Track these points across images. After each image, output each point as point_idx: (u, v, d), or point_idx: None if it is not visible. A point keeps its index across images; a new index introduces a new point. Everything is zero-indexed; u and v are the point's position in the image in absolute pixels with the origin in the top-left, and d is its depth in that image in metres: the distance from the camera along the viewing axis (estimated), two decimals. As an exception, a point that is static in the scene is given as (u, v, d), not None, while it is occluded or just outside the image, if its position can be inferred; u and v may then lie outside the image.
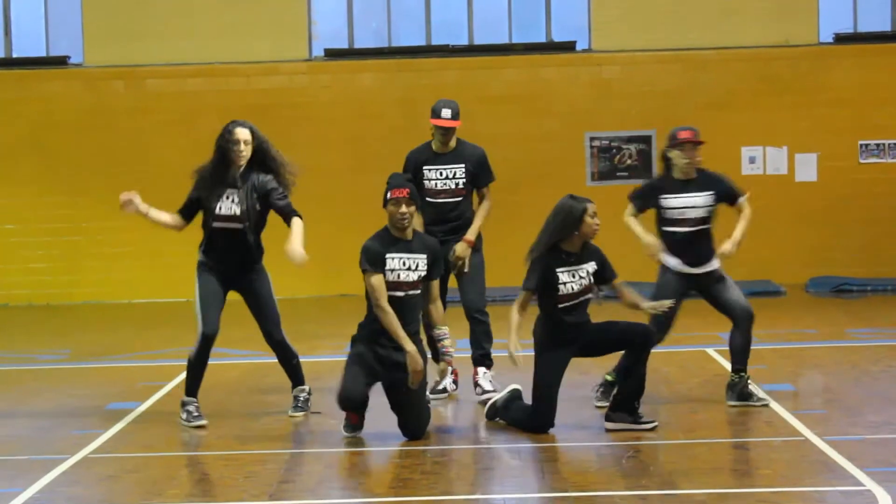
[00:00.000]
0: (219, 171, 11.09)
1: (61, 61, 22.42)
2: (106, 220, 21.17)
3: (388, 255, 10.26)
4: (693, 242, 11.22)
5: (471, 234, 11.89)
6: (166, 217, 11.27)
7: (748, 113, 21.88)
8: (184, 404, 11.04)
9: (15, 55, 22.56)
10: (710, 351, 14.20)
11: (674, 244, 11.18)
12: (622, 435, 10.18)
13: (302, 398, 11.29)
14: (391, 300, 10.22)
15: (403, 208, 10.24)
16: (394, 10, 22.54)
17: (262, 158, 11.04)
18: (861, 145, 21.94)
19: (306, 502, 8.75)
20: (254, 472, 9.42)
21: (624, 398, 10.41)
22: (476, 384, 11.90)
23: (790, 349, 15.01)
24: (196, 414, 10.96)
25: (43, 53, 22.58)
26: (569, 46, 22.28)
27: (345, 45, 22.46)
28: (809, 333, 16.26)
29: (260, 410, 11.53)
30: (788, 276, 21.36)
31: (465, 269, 11.89)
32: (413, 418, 10.28)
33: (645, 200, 11.28)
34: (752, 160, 21.99)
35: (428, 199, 11.87)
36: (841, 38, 22.21)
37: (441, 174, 11.95)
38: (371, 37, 22.63)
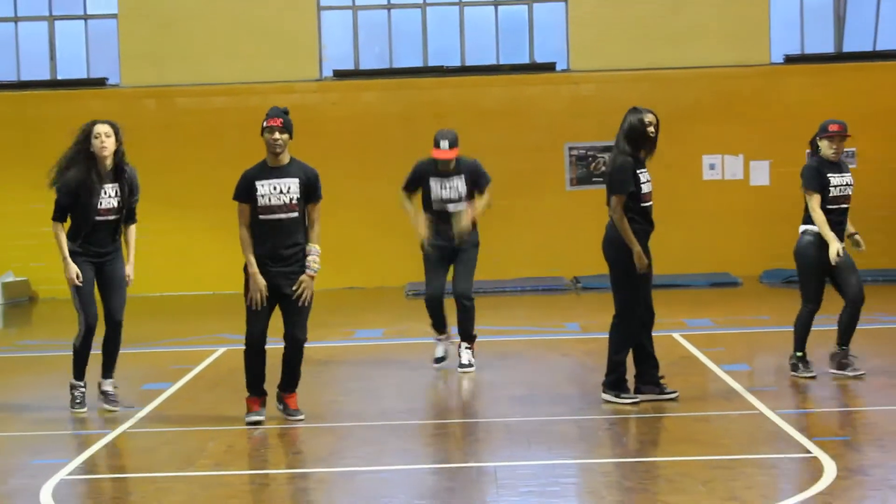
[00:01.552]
0: (88, 170, 10.77)
1: (100, 82, 22.43)
2: (140, 222, 21.08)
3: (257, 182, 10.01)
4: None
5: (474, 210, 12.25)
6: (61, 238, 10.77)
7: (708, 125, 21.91)
8: (73, 388, 10.90)
9: (59, 77, 22.56)
10: (676, 335, 14.23)
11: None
12: (600, 409, 10.20)
13: (111, 394, 10.99)
14: (268, 223, 9.94)
15: (276, 135, 10.05)
16: (395, 35, 22.55)
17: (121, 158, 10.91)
18: (808, 154, 21.93)
19: (319, 470, 8.78)
20: (274, 445, 9.46)
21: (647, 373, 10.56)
22: (459, 356, 12.33)
23: (746, 333, 15.04)
24: (79, 401, 10.86)
25: (84, 75, 22.58)
26: (549, 67, 22.30)
27: (351, 67, 22.46)
28: (763, 319, 16.28)
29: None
30: (744, 268, 21.39)
31: (465, 238, 12.19)
32: (291, 324, 10.04)
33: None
34: (711, 167, 22.02)
35: (437, 206, 12.26)
36: (790, 59, 22.24)
37: (446, 186, 12.25)
38: (375, 59, 22.63)
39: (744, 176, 22.03)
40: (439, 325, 12.50)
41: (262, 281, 9.87)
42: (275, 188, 9.98)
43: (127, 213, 10.99)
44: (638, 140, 10.60)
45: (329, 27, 22.50)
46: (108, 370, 10.95)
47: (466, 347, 12.37)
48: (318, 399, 11.03)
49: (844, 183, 11.34)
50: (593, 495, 7.84)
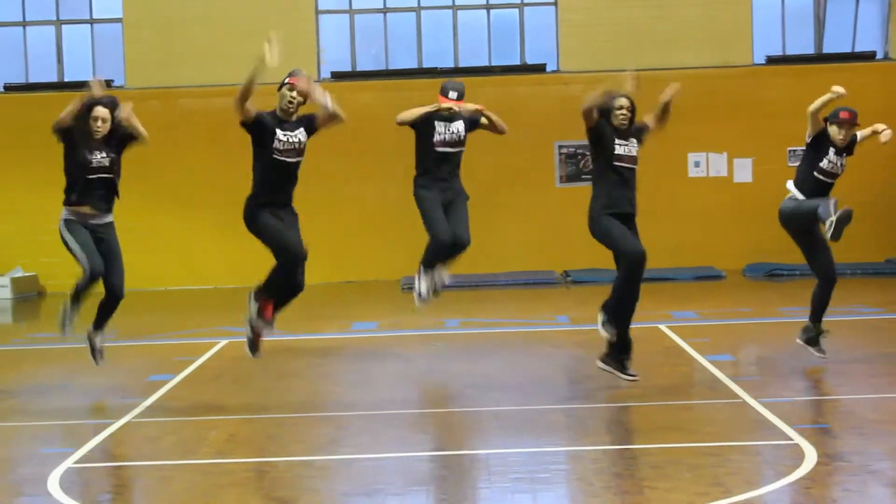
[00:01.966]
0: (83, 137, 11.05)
1: (106, 85, 22.36)
2: (144, 220, 21.16)
3: (277, 129, 10.70)
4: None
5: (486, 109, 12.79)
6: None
7: (693, 124, 21.90)
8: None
9: (66, 79, 22.54)
10: (662, 327, 14.23)
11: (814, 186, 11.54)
12: (589, 399, 10.19)
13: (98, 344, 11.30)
14: (279, 164, 10.69)
15: (295, 94, 10.74)
16: (390, 38, 22.55)
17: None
18: (790, 151, 21.97)
19: (318, 458, 8.77)
20: (274, 434, 9.45)
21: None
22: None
23: (730, 325, 15.04)
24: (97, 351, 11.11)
25: (90, 78, 22.49)
26: (540, 68, 22.31)
27: (348, 68, 22.46)
28: (746, 311, 16.29)
29: (279, 381, 11.54)
30: (728, 262, 21.41)
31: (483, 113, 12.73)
32: (296, 241, 10.66)
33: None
34: (696, 164, 22.04)
35: (439, 149, 12.35)
36: (772, 60, 22.26)
37: (449, 129, 12.46)
38: (371, 61, 22.63)
39: (728, 173, 22.07)
40: (432, 262, 12.17)
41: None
42: (288, 137, 10.67)
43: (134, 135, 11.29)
44: (608, 116, 10.98)
45: (327, 30, 22.50)
46: (99, 324, 11.22)
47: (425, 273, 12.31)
48: (316, 389, 11.03)
49: (839, 163, 11.50)
50: (582, 482, 7.84)
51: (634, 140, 10.72)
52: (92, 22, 22.54)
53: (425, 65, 22.41)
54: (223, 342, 14.41)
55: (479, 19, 22.52)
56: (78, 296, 10.96)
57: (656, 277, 19.28)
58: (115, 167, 11.08)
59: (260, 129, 10.67)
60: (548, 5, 22.28)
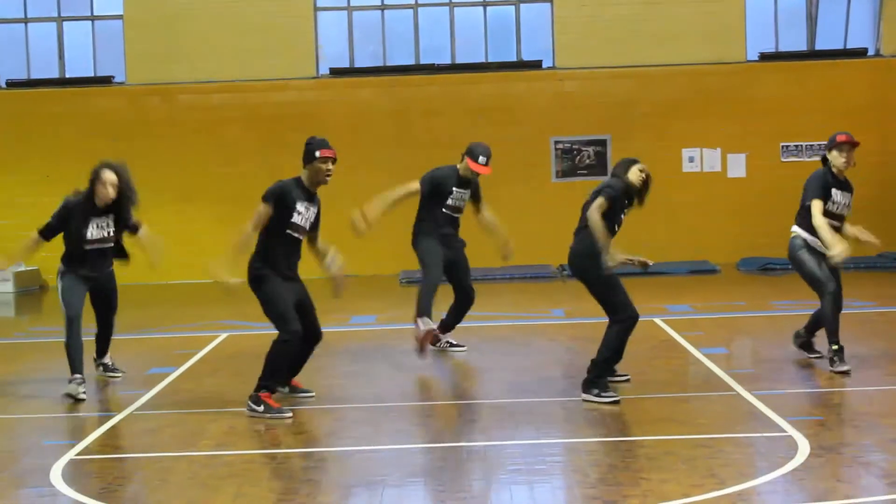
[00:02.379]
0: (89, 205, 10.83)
1: (107, 80, 22.39)
2: (144, 214, 21.05)
3: (297, 203, 9.88)
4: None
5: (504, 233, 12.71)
6: (31, 246, 11.03)
7: (688, 120, 21.93)
8: (70, 381, 10.78)
9: (68, 75, 22.52)
10: (658, 320, 14.23)
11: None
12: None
13: (110, 364, 11.61)
14: (290, 240, 9.92)
15: (330, 165, 10.03)
16: (388, 35, 22.54)
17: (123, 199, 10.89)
18: (782, 147, 22.00)
19: (317, 450, 8.77)
20: (273, 426, 9.44)
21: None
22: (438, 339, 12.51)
23: (724, 318, 15.05)
24: (79, 383, 10.77)
25: (91, 73, 22.53)
26: (536, 64, 22.30)
27: (346, 65, 22.44)
28: (740, 305, 16.29)
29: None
30: (722, 256, 21.42)
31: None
32: (313, 318, 10.18)
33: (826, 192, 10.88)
34: (691, 160, 22.05)
35: (448, 212, 12.31)
36: (765, 57, 22.25)
37: (461, 196, 12.38)
38: (369, 57, 22.61)
39: (721, 168, 22.07)
40: (428, 309, 12.10)
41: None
42: (307, 209, 9.98)
43: (129, 230, 11.13)
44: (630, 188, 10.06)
45: (325, 27, 22.48)
46: (101, 352, 11.36)
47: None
48: (316, 383, 11.01)
49: (845, 203, 10.90)
50: (578, 473, 7.84)
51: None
52: (93, 19, 22.51)
53: (423, 61, 22.40)
54: (223, 336, 14.41)
55: (475, 16, 22.51)
56: (70, 349, 10.80)
57: (651, 271, 19.26)
58: (114, 238, 11.04)
59: (282, 205, 9.91)
60: (544, 2, 22.27)
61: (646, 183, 10.11)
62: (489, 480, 7.72)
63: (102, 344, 11.60)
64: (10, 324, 18.56)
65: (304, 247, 10.14)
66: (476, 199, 12.54)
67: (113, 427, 9.60)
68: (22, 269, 21.60)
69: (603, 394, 9.82)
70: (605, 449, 8.45)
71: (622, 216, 9.99)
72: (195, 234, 21.74)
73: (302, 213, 9.91)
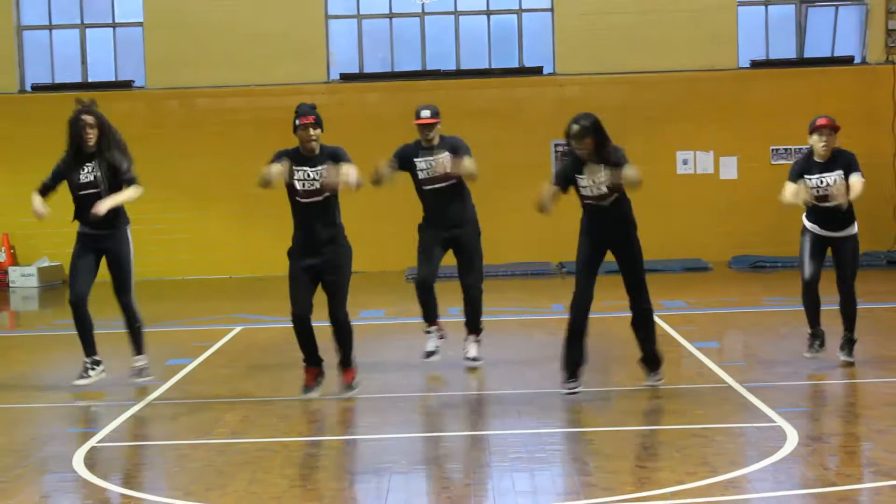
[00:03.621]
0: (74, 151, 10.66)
1: (127, 85, 22.39)
2: (164, 212, 21.18)
3: (295, 168, 9.73)
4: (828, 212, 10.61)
5: (463, 160, 10.95)
6: (39, 202, 10.71)
7: (682, 124, 21.91)
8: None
9: (90, 80, 22.53)
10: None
11: (815, 214, 10.68)
12: (583, 383, 10.15)
13: (139, 367, 10.79)
14: (301, 207, 9.74)
15: (310, 131, 9.81)
16: (396, 42, 22.53)
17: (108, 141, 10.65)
18: (772, 150, 21.98)
19: (327, 438, 8.77)
20: (286, 416, 9.45)
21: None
22: (466, 349, 11.41)
23: (716, 314, 15.04)
24: (85, 371, 10.68)
25: (112, 78, 22.54)
26: (537, 71, 22.29)
27: (356, 70, 22.43)
28: (732, 301, 16.29)
29: (290, 365, 11.53)
30: (715, 254, 21.41)
31: (446, 169, 10.93)
32: (330, 302, 9.86)
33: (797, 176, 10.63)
34: (685, 162, 22.03)
35: (427, 188, 11.15)
36: (756, 64, 22.23)
37: (430, 162, 11.05)
38: (378, 63, 22.60)
39: (714, 170, 22.05)
40: (429, 314, 11.32)
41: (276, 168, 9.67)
42: (308, 175, 9.75)
43: (126, 183, 10.67)
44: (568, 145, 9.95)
45: (336, 34, 22.48)
46: (135, 348, 10.86)
47: (474, 340, 11.37)
48: (326, 374, 11.01)
49: (824, 184, 10.50)
50: (577, 461, 7.84)
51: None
52: (114, 26, 22.51)
53: (429, 67, 22.40)
54: (237, 329, 14.41)
55: (479, 24, 22.49)
56: (75, 327, 10.72)
57: (647, 269, 19.24)
58: (101, 183, 10.60)
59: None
60: (545, 11, 22.26)
61: (567, 136, 10.02)
62: (492, 468, 7.72)
63: (130, 337, 10.80)
64: (35, 317, 18.59)
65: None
66: (461, 155, 11.02)
67: (133, 416, 9.61)
68: (45, 264, 21.63)
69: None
70: (602, 438, 8.44)
71: (584, 184, 9.87)
72: (210, 231, 21.76)
73: (303, 179, 9.73)
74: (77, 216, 10.73)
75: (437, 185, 11.10)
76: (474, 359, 11.30)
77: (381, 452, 8.33)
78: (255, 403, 9.84)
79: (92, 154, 10.64)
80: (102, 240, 10.66)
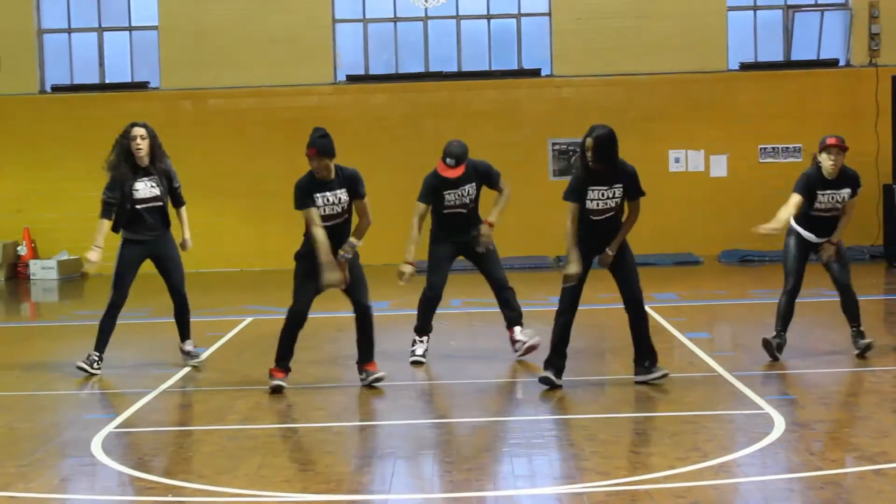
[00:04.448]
0: (126, 167, 10.68)
1: (143, 86, 22.38)
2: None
3: (316, 194, 9.63)
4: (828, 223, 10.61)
5: (492, 217, 10.96)
6: (102, 230, 10.71)
7: (674, 124, 21.89)
8: (89, 355, 10.81)
9: (107, 81, 22.52)
10: (645, 308, 14.17)
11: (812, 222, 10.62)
12: (579, 372, 10.15)
13: (190, 349, 11.03)
14: (325, 228, 9.61)
15: (315, 163, 9.64)
16: (400, 45, 22.50)
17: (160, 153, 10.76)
18: (760, 149, 21.96)
19: (335, 424, 8.78)
20: (295, 403, 9.45)
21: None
22: (514, 341, 11.17)
23: (707, 305, 15.05)
24: (93, 364, 10.78)
25: (128, 79, 22.53)
26: (535, 72, 22.26)
27: (362, 72, 22.41)
28: (721, 293, 16.29)
29: (299, 354, 11.51)
30: (705, 249, 21.39)
31: (490, 248, 11.00)
32: (356, 295, 9.96)
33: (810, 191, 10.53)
34: (676, 160, 22.01)
35: (451, 212, 10.93)
36: (745, 66, 22.20)
37: (458, 194, 10.86)
38: (382, 65, 22.58)
39: (704, 168, 22.04)
40: (426, 326, 11.21)
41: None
42: (328, 199, 9.68)
43: (174, 199, 10.91)
44: (582, 158, 9.69)
45: (343, 37, 22.46)
46: (183, 335, 10.96)
47: (521, 330, 11.18)
48: (333, 362, 11.03)
49: (833, 202, 10.50)
50: (573, 447, 7.84)
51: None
52: (130, 29, 22.50)
53: (432, 69, 22.38)
54: (248, 319, 14.41)
55: (480, 28, 22.48)
56: (101, 330, 10.80)
57: (639, 263, 19.17)
58: (164, 196, 10.80)
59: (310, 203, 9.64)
60: (542, 16, 22.23)
61: (595, 152, 9.47)
62: (492, 453, 7.72)
63: (180, 325, 10.98)
64: (55, 308, 18.60)
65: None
66: (491, 185, 11.08)
67: (148, 403, 9.61)
68: (65, 257, 21.63)
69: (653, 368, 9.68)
70: (597, 424, 8.44)
71: (597, 194, 9.59)
72: (223, 226, 21.75)
73: (324, 204, 9.65)
74: (129, 226, 10.74)
75: (458, 210, 10.96)
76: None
77: (386, 438, 8.33)
78: (265, 391, 9.84)
79: (146, 167, 10.66)
80: (155, 244, 10.82)
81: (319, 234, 9.52)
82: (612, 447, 7.72)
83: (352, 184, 9.75)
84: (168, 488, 6.97)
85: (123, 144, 10.77)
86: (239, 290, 18.78)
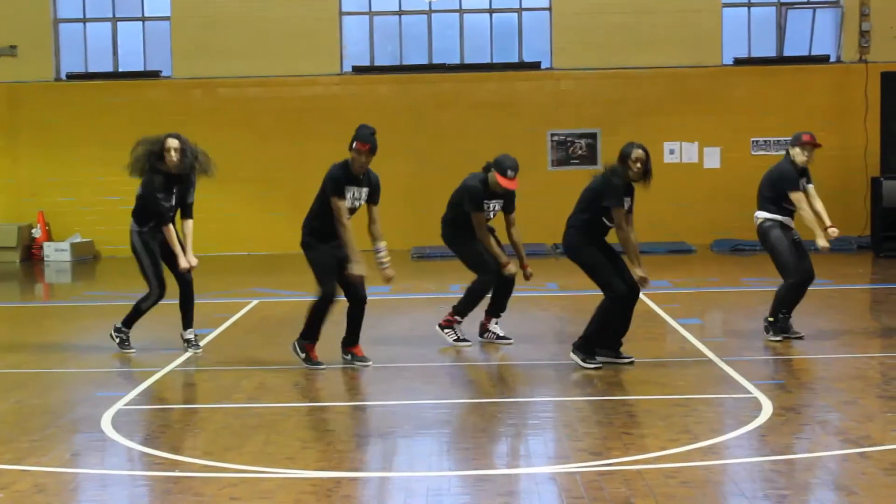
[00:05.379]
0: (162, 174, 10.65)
1: (155, 74, 22.35)
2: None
3: (346, 187, 9.78)
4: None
5: (523, 252, 11.50)
6: (172, 236, 10.70)
7: (669, 116, 21.86)
8: (119, 331, 10.91)
9: (121, 69, 22.49)
10: (640, 295, 14.16)
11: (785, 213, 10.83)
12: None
13: (191, 337, 10.90)
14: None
15: (363, 158, 9.82)
16: (405, 37, 22.46)
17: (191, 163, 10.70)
18: (753, 141, 21.93)
19: (337, 404, 8.78)
20: (298, 383, 9.46)
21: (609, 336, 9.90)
22: (487, 330, 11.23)
23: (699, 293, 15.03)
24: (128, 343, 10.89)
25: (141, 68, 22.50)
26: (535, 65, 22.22)
27: (367, 63, 22.37)
28: (713, 281, 16.28)
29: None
30: (698, 238, 21.38)
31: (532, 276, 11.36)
32: (361, 286, 10.10)
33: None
34: (671, 152, 21.98)
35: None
36: (739, 61, 22.17)
37: (492, 207, 11.05)
38: (387, 57, 22.54)
39: (698, 160, 22.01)
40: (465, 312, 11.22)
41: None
42: (354, 195, 9.84)
43: (183, 210, 10.82)
44: (624, 168, 9.97)
45: (349, 30, 22.41)
46: (186, 323, 10.88)
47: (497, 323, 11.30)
48: (336, 345, 11.01)
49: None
50: (567, 428, 7.84)
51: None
52: (143, 19, 22.47)
53: (435, 61, 22.34)
54: (255, 302, 14.41)
55: (482, 21, 22.44)
56: (139, 315, 10.85)
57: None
58: (177, 205, 10.77)
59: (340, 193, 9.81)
60: (543, 10, 22.19)
61: (643, 171, 10.04)
62: (489, 433, 7.72)
63: (184, 312, 10.83)
64: (68, 288, 18.61)
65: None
66: (509, 210, 11.26)
67: (157, 381, 9.61)
68: (78, 240, 21.63)
69: (587, 359, 9.72)
70: (591, 407, 8.45)
71: (629, 205, 10.06)
72: (231, 211, 21.74)
73: (351, 198, 9.82)
74: (143, 223, 10.71)
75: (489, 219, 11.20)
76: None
77: (387, 418, 8.33)
78: (269, 371, 9.85)
79: (173, 177, 10.64)
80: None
81: (348, 227, 9.72)
82: (605, 428, 7.72)
83: (374, 188, 10.03)
84: (175, 464, 6.98)
85: (155, 153, 10.63)
86: (246, 273, 18.78)
